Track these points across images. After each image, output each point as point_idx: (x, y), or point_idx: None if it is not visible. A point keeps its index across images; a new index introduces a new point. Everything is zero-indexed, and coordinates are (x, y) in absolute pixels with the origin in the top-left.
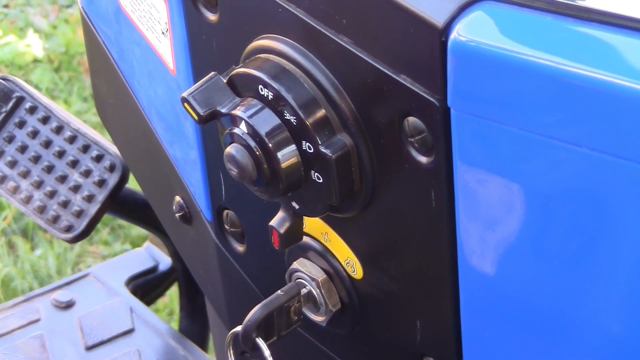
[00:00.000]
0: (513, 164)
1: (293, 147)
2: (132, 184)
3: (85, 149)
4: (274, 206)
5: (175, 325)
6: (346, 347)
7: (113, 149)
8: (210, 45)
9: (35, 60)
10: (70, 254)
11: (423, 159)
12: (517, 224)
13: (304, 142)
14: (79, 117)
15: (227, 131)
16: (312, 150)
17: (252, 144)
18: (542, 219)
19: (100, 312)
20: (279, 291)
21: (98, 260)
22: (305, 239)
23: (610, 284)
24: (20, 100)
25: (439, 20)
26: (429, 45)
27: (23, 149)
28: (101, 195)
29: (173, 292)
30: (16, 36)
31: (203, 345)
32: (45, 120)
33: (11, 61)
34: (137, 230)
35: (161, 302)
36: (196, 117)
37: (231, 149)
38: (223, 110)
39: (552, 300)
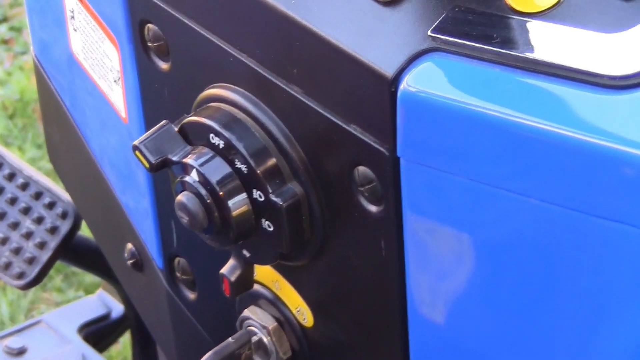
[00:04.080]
0: (462, 214)
1: (244, 195)
2: (85, 231)
3: (38, 196)
4: (225, 254)
5: None
6: None
7: (66, 196)
8: (162, 94)
9: None
10: (24, 301)
11: (373, 208)
12: (467, 274)
13: (254, 190)
14: (33, 164)
15: (179, 179)
16: (262, 199)
17: (203, 192)
18: (492, 269)
19: None
20: (229, 339)
21: (51, 307)
22: (256, 286)
23: (560, 334)
24: None
25: (388, 70)
26: (379, 95)
27: None
28: (53, 242)
29: (127, 339)
30: None
31: None
32: None
33: None
34: (90, 278)
35: (115, 349)
36: (147, 165)
37: (182, 197)
38: (174, 159)
39: (502, 351)
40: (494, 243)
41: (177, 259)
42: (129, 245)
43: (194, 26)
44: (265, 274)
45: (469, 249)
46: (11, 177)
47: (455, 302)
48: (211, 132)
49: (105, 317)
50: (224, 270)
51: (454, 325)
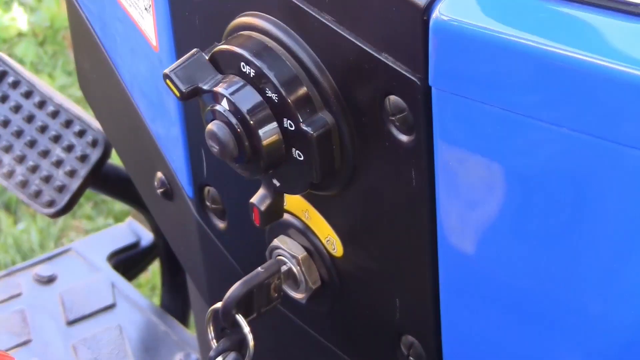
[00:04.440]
0: (493, 143)
1: (274, 124)
2: (115, 160)
3: (68, 124)
4: (255, 183)
5: (157, 300)
6: (326, 324)
7: (96, 124)
8: (192, 22)
9: (20, 34)
10: (53, 229)
11: (404, 138)
12: (497, 204)
13: (285, 119)
14: (63, 91)
15: (209, 108)
16: (293, 128)
17: (234, 121)
18: (522, 198)
19: (82, 287)
20: (259, 268)
21: (81, 234)
22: (286, 216)
23: (590, 264)
24: (3, 74)
25: None
26: (411, 24)
27: (5, 123)
28: (83, 171)
29: (156, 267)
30: (1, 10)
31: (184, 321)
32: (28, 95)
33: None
34: (120, 205)
35: (144, 277)
36: (178, 94)
37: (212, 126)
38: (205, 87)
39: (531, 279)
40: (524, 172)
41: (207, 188)
42: (159, 174)
43: None
44: (295, 204)
45: (500, 179)
46: (41, 104)
47: (485, 232)
48: (242, 61)
49: (135, 245)
50: (253, 199)
51: (483, 255)
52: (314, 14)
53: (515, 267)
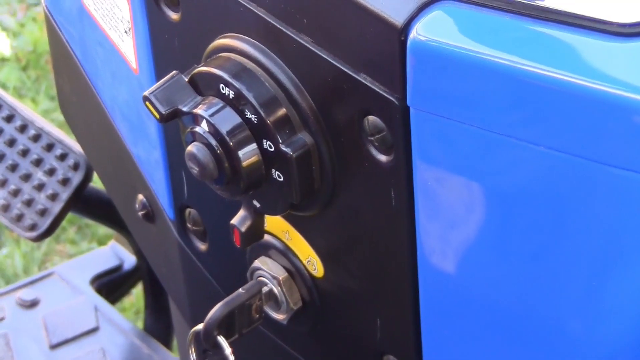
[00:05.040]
0: (472, 163)
1: (254, 145)
2: (96, 183)
3: (50, 147)
4: (235, 204)
5: (141, 323)
6: (307, 344)
7: (77, 147)
8: (172, 44)
9: (3, 59)
10: (37, 253)
11: (383, 158)
12: (476, 223)
13: (264, 140)
14: (47, 115)
15: (189, 130)
16: (272, 149)
17: (213, 142)
18: (501, 217)
19: (65, 311)
20: (240, 289)
21: (65, 259)
22: (267, 237)
23: (571, 283)
24: None
25: (398, 19)
26: (389, 44)
27: None
28: (65, 194)
29: (139, 290)
30: None
31: (167, 344)
32: (9, 119)
33: None
34: (103, 229)
35: (127, 300)
36: (157, 116)
37: (192, 148)
38: (184, 109)
39: (512, 299)
40: (503, 191)
41: (187, 210)
42: (140, 197)
43: None
44: (275, 225)
45: (479, 198)
46: (23, 128)
47: (465, 251)
48: (221, 82)
49: (118, 268)
50: (234, 220)
51: (463, 274)
52: (292, 35)
53: (495, 286)
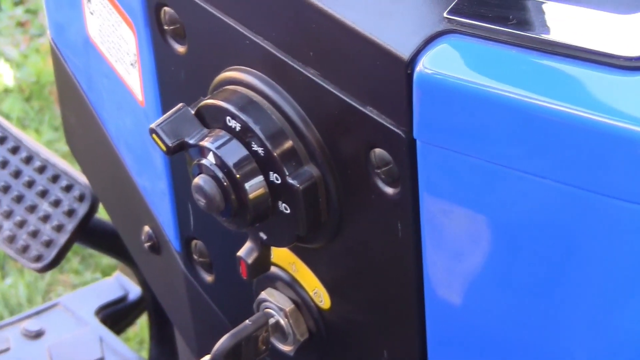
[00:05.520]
0: (478, 196)
1: (260, 178)
2: (102, 214)
3: (55, 178)
4: (242, 236)
5: (145, 354)
6: None
7: (82, 178)
8: (178, 77)
9: (6, 90)
10: (41, 283)
11: (389, 190)
12: (483, 255)
13: (271, 173)
14: (50, 146)
15: (195, 162)
16: (279, 181)
17: (220, 174)
18: (508, 250)
19: (70, 342)
20: (247, 321)
21: (68, 289)
22: (273, 269)
23: (577, 315)
24: None
25: (404, 53)
26: (395, 77)
27: None
28: (70, 225)
29: (144, 320)
30: None
31: None
32: (14, 150)
33: None
34: (107, 260)
35: (132, 330)
36: (164, 148)
37: (199, 180)
38: (191, 142)
39: (519, 331)
40: (510, 224)
41: (194, 242)
42: (146, 228)
43: (209, 9)
44: (282, 256)
45: (485, 231)
46: (28, 160)
47: (472, 283)
48: (227, 115)
49: (123, 299)
50: (241, 252)
51: (470, 307)
52: (298, 68)
53: (502, 319)
